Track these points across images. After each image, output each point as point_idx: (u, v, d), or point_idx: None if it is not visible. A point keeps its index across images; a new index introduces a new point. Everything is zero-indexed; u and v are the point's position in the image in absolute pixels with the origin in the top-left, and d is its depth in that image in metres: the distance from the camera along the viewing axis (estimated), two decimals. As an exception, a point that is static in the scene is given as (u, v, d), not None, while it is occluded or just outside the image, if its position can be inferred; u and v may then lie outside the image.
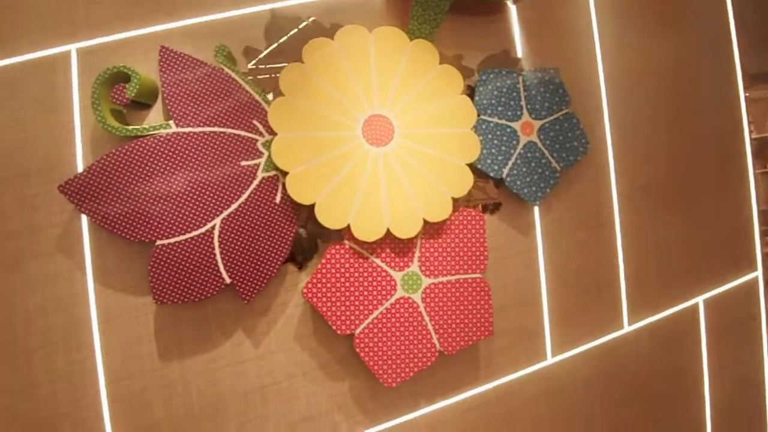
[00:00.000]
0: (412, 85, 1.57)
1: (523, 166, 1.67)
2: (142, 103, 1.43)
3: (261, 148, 1.47)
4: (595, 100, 1.81)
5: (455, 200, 1.58)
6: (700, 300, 1.94)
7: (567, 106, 1.73)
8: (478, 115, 1.64)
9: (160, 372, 1.41)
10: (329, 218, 1.47)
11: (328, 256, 1.49)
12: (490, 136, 1.64)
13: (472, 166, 1.60)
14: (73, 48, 1.39)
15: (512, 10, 1.73)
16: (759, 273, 2.09)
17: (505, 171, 1.65)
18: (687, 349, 1.93)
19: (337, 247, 1.51)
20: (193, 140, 1.41)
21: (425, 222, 1.55)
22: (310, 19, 1.56)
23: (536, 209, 1.73)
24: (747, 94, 2.09)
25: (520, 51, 1.73)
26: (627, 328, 1.82)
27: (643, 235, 1.86)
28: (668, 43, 1.93)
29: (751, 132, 2.11)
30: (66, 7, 1.40)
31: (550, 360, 1.73)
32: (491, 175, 1.64)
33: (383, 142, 1.53)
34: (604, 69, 1.82)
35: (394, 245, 1.55)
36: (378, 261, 1.53)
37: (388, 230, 1.50)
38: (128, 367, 1.39)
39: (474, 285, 1.59)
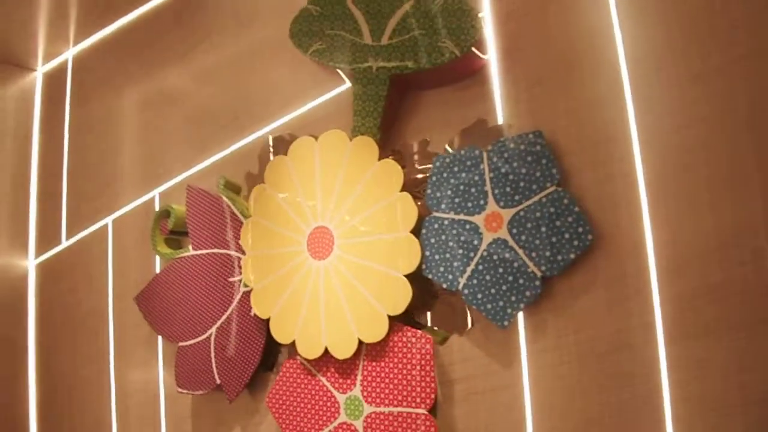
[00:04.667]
0: (351, 190, 1.43)
1: (487, 273, 1.23)
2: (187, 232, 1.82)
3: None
4: (619, 149, 1.14)
5: (397, 317, 1.33)
6: None
7: (553, 181, 1.18)
8: (430, 212, 1.32)
9: (188, 451, 1.74)
10: (280, 333, 1.51)
11: (284, 369, 1.51)
12: (443, 237, 1.30)
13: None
14: (156, 193, 1.91)
15: (491, 64, 1.31)
16: None
17: (462, 281, 1.26)
18: None
19: (291, 361, 1.51)
20: (200, 261, 1.71)
21: (366, 342, 1.37)
22: (288, 136, 1.63)
23: (521, 331, 1.23)
24: None
25: (500, 116, 1.29)
26: None
27: (705, 371, 1.03)
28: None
29: None
30: (150, 162, 1.95)
31: None
32: (444, 286, 1.29)
33: (324, 255, 1.45)
34: (634, 101, 1.13)
35: (338, 365, 1.43)
36: (324, 380, 1.45)
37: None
38: (174, 442, 1.78)
39: (418, 422, 1.29)
